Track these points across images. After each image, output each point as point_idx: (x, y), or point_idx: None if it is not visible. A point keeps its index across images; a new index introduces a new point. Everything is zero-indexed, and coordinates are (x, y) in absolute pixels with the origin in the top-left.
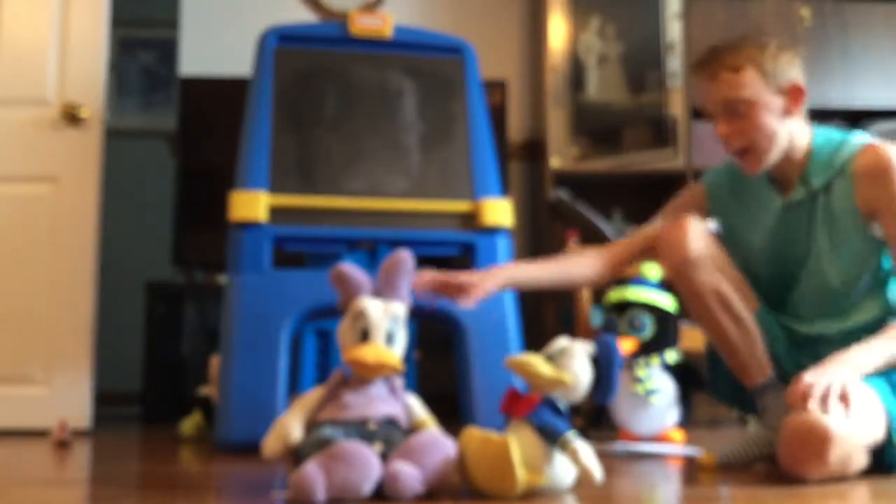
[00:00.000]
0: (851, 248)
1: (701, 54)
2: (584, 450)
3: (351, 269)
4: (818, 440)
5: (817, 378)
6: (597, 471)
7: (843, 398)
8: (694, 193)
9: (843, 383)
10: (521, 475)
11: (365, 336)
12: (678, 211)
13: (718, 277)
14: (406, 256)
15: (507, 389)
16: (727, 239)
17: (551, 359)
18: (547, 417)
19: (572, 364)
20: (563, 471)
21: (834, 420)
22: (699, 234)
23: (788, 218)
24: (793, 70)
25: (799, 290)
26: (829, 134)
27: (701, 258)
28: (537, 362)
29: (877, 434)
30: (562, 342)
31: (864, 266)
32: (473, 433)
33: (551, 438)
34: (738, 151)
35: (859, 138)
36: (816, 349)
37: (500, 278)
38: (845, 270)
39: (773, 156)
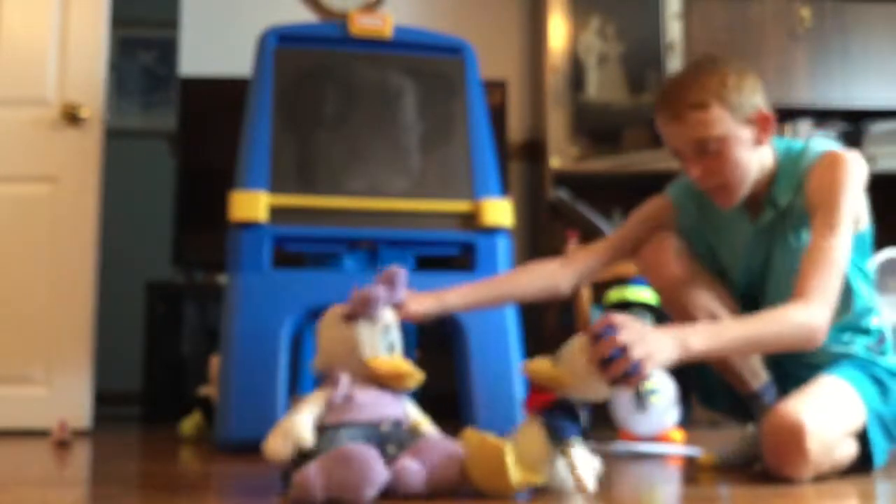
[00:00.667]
0: (801, 250)
1: (660, 94)
2: (582, 459)
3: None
4: (794, 435)
5: (631, 344)
6: (590, 483)
7: (635, 377)
8: (661, 207)
9: (649, 363)
10: (516, 478)
11: (392, 349)
12: (645, 223)
13: (705, 293)
14: (403, 272)
15: (531, 386)
16: (696, 253)
17: (558, 360)
18: (556, 418)
19: (574, 363)
20: (565, 471)
21: (807, 413)
22: (681, 252)
23: (760, 240)
24: (756, 97)
25: (771, 303)
26: (790, 146)
27: (686, 277)
28: (541, 365)
29: (855, 422)
30: (573, 342)
31: None
32: (472, 435)
33: (554, 440)
34: (712, 188)
35: (819, 145)
36: (793, 356)
37: (424, 304)
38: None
39: (746, 188)
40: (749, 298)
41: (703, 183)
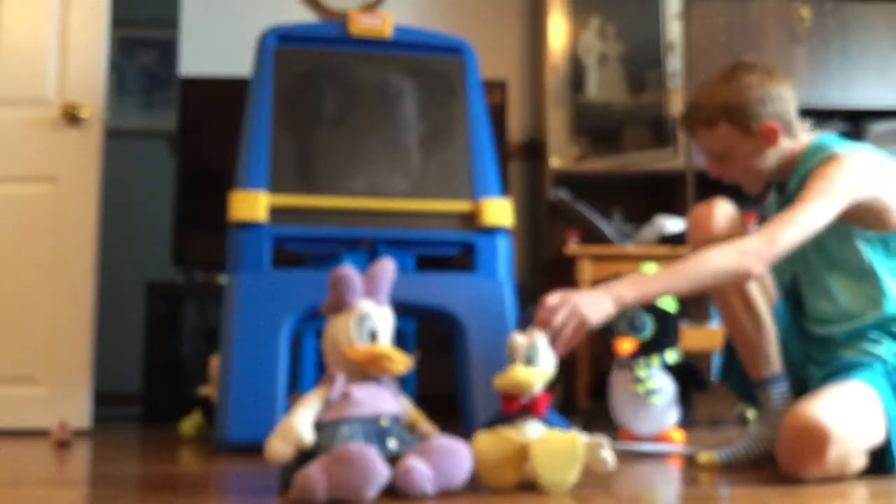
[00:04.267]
0: (826, 244)
1: (684, 106)
2: (595, 440)
3: (353, 272)
4: (816, 440)
5: (563, 305)
6: (610, 461)
7: (573, 334)
8: (763, 207)
9: (583, 317)
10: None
11: (374, 337)
12: None
13: None
14: (391, 264)
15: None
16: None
17: (530, 361)
18: (554, 418)
19: (546, 358)
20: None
21: (833, 420)
22: (725, 216)
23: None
24: (766, 108)
25: (804, 290)
26: (822, 145)
27: (723, 239)
28: (528, 376)
29: (876, 436)
30: (519, 340)
31: (847, 261)
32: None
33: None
34: (734, 183)
35: (840, 147)
36: (825, 346)
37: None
38: (830, 267)
39: (764, 178)
40: (793, 293)
41: (723, 180)
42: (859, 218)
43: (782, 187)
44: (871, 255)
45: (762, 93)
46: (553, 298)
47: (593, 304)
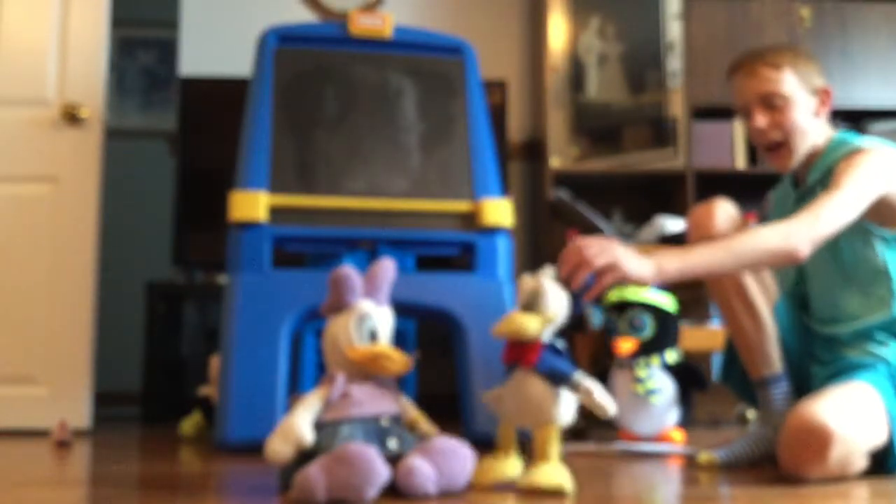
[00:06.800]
0: (840, 243)
1: (738, 56)
2: (596, 388)
3: (352, 272)
4: (819, 441)
5: (603, 251)
6: (610, 405)
7: (605, 281)
8: (763, 207)
9: (622, 269)
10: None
11: (373, 337)
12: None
13: None
14: (391, 264)
15: (508, 341)
16: None
17: (529, 307)
18: (553, 362)
19: (549, 301)
20: (566, 411)
21: (835, 420)
22: (726, 216)
23: (797, 210)
24: (822, 77)
25: (811, 289)
26: (845, 139)
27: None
28: (523, 321)
29: (878, 438)
30: (528, 283)
31: (862, 260)
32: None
33: (561, 381)
34: (772, 146)
35: (863, 142)
36: (829, 345)
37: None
38: (840, 267)
39: (802, 152)
40: (797, 290)
41: (765, 136)
42: (878, 214)
43: (798, 181)
44: (888, 255)
45: (818, 64)
46: (590, 241)
47: (635, 260)
